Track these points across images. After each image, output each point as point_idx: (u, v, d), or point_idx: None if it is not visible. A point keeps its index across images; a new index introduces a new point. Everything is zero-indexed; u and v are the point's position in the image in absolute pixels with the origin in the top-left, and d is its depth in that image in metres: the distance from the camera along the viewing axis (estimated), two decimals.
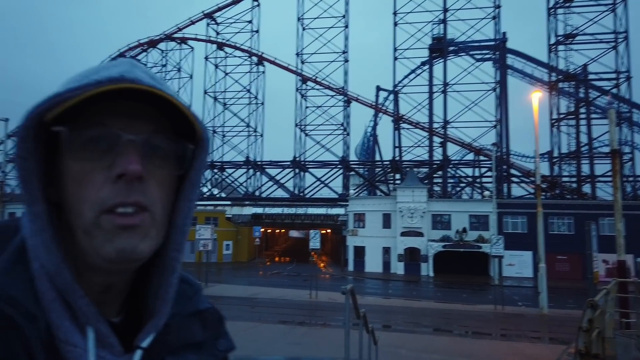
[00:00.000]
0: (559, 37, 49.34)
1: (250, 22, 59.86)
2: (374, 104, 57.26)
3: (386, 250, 42.98)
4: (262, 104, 59.65)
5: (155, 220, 0.64)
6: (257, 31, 59.85)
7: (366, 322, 6.57)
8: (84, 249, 0.62)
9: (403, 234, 41.97)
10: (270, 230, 64.49)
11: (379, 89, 61.26)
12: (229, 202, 56.67)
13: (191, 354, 0.73)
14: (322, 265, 49.63)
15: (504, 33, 50.96)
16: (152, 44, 62.12)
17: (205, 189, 56.05)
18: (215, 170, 55.49)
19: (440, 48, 50.60)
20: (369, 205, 44.16)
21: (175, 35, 61.47)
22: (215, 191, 56.85)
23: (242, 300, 21.67)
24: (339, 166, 52.28)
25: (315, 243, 25.89)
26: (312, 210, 54.16)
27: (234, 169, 56.00)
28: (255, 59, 59.03)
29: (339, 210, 51.29)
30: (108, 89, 0.59)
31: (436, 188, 50.22)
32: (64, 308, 0.61)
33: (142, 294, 0.74)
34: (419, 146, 52.94)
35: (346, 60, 55.34)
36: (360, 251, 43.72)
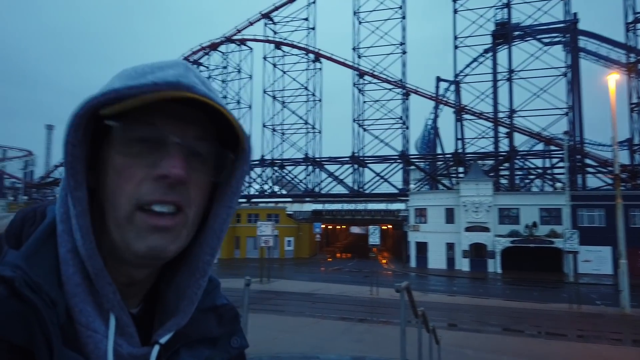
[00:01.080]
0: (638, 14, 45.33)
1: (306, 19, 60.22)
2: (434, 95, 55.75)
3: (450, 246, 41.75)
4: (320, 100, 59.83)
5: (187, 221, 0.66)
6: (313, 28, 60.12)
7: (426, 320, 6.34)
8: (114, 241, 0.64)
9: (468, 229, 40.54)
10: (330, 227, 64.75)
11: (439, 79, 59.57)
12: (289, 199, 57.51)
13: (205, 348, 0.74)
14: (383, 261, 49.12)
15: (575, 14, 47.69)
16: (213, 46, 64.21)
17: (266, 186, 57.29)
18: (276, 168, 56.46)
19: (505, 33, 48.22)
20: (430, 200, 43.07)
21: (235, 37, 63.11)
22: (276, 188, 57.83)
23: (303, 296, 21.79)
24: (398, 161, 51.39)
25: (374, 239, 25.64)
26: (371, 206, 53.79)
27: (293, 166, 56.70)
28: (312, 56, 59.32)
29: (400, 206, 50.55)
30: (167, 96, 0.61)
31: (503, 181, 48.03)
32: (88, 293, 0.63)
33: (160, 288, 0.75)
34: (483, 137, 50.89)
35: (404, 52, 54.19)
36: (422, 247, 42.80)
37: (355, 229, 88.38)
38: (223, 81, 64.72)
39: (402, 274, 37.05)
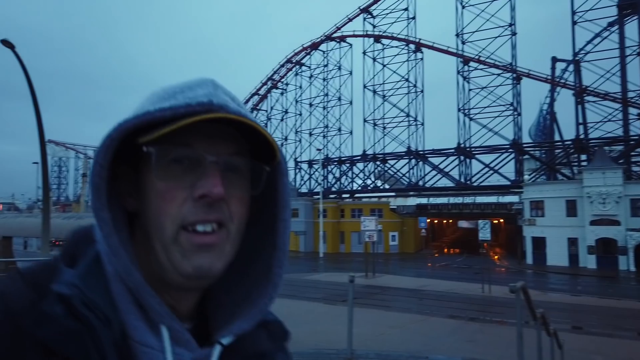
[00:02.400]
0: None
1: (406, 9, 59.01)
2: (549, 77, 51.32)
3: (572, 242, 38.21)
4: (422, 91, 58.36)
5: (230, 236, 0.69)
6: (413, 18, 58.75)
7: (546, 323, 5.88)
8: (161, 263, 0.66)
9: (593, 223, 36.71)
10: (436, 221, 62.91)
11: (555, 60, 54.67)
12: (392, 194, 56.97)
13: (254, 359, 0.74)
14: (495, 257, 46.40)
15: None
16: (314, 46, 65.88)
17: (368, 181, 57.38)
18: (378, 163, 56.27)
19: (634, 3, 42.69)
20: (548, 192, 39.78)
21: (335, 35, 64.05)
22: (379, 183, 57.67)
23: (409, 292, 21.41)
24: (510, 150, 48.22)
25: (485, 234, 24.39)
26: (481, 199, 51.09)
27: (396, 160, 56.03)
28: (412, 46, 58.09)
29: (512, 198, 47.42)
30: (201, 119, 0.63)
31: (635, 168, 42.69)
32: (138, 309, 0.64)
33: (216, 299, 0.77)
34: (609, 121, 45.75)
35: (514, 34, 50.63)
36: (539, 242, 39.77)
37: (463, 224, 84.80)
38: (324, 79, 66.04)
39: (517, 271, 34.84)
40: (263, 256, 0.76)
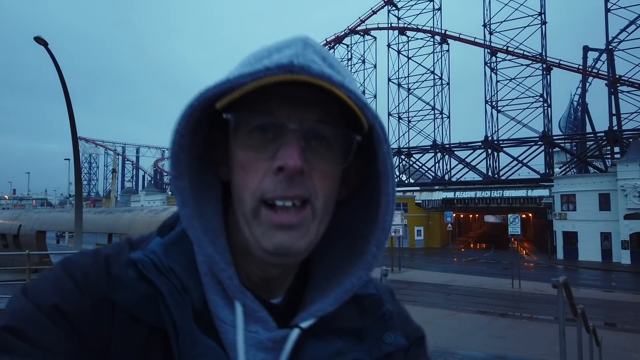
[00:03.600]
0: None
1: (431, 0, 58.04)
2: (580, 67, 49.71)
3: (605, 236, 37.08)
4: (448, 84, 57.44)
5: (315, 213, 0.63)
6: (439, 9, 57.76)
7: (585, 320, 5.73)
8: (245, 236, 0.64)
9: (628, 217, 35.51)
10: (462, 216, 61.99)
11: (586, 49, 52.87)
12: (417, 188, 56.39)
13: (340, 340, 0.68)
14: (524, 252, 45.54)
15: None
16: (338, 40, 65.52)
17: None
18: (403, 157, 55.77)
19: None
20: (580, 185, 38.67)
21: (359, 28, 63.55)
22: (404, 177, 57.17)
23: (436, 287, 21.19)
24: (539, 143, 47.03)
25: (515, 228, 23.95)
26: (509, 193, 50.09)
27: (421, 154, 55.40)
28: (438, 38, 57.15)
29: (542, 192, 46.33)
30: (276, 80, 0.58)
31: None
32: (216, 283, 0.64)
33: (313, 275, 0.72)
34: None
35: (543, 23, 49.21)
36: (571, 237, 38.73)
37: (490, 218, 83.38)
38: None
39: (547, 267, 34.10)
40: (362, 232, 0.69)
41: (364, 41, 64.57)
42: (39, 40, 10.78)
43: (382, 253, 0.68)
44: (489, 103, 51.65)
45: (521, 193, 49.34)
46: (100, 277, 0.62)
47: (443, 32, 56.49)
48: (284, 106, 0.62)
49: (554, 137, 48.01)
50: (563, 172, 45.03)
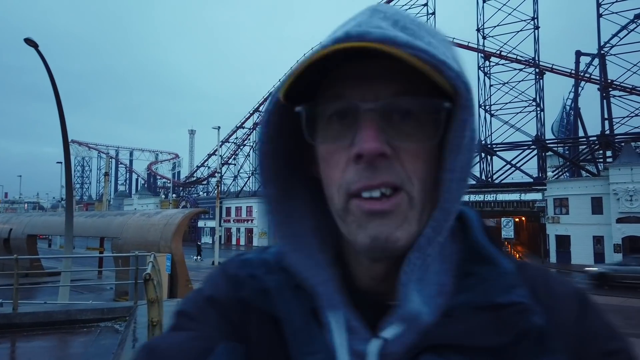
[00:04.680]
0: None
1: (425, 5, 58.37)
2: (573, 72, 50.12)
3: (598, 240, 37.28)
4: None
5: (413, 201, 0.55)
6: (433, 13, 58.05)
7: None
8: (343, 233, 0.59)
9: (620, 221, 35.75)
10: None
11: (579, 54, 53.36)
12: None
13: (461, 356, 0.54)
14: (517, 256, 45.53)
15: None
16: None
17: None
18: None
19: None
20: (572, 189, 38.91)
21: None
22: None
23: None
24: (532, 147, 47.30)
25: (508, 232, 24.04)
26: (502, 197, 50.21)
27: None
28: None
29: (535, 196, 46.48)
30: (324, 55, 0.52)
31: None
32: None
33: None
34: (636, 115, 44.43)
35: (536, 28, 49.60)
36: (564, 241, 38.90)
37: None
38: None
39: None
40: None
41: None
42: (29, 41, 10.73)
43: (441, 237, 0.57)
44: (483, 107, 51.90)
45: (515, 196, 49.49)
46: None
47: None
48: (356, 85, 0.56)
49: (547, 141, 48.33)
50: (556, 176, 45.26)
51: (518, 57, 49.92)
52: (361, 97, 0.55)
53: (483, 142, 50.02)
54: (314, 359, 0.57)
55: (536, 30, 49.64)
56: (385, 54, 0.51)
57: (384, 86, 0.55)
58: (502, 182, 48.75)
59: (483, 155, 49.70)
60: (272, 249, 0.69)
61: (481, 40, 52.58)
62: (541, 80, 49.27)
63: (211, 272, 0.72)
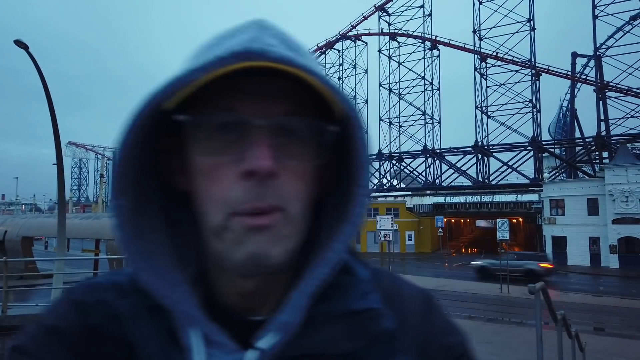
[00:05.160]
0: None
1: (422, 6, 58.44)
2: (569, 73, 50.24)
3: (594, 241, 37.26)
4: (438, 89, 57.74)
5: (290, 219, 0.55)
6: (429, 15, 58.14)
7: (567, 325, 5.66)
8: (214, 251, 0.57)
9: (616, 222, 35.74)
10: (454, 220, 62.16)
11: (575, 55, 53.51)
12: (408, 193, 56.50)
13: None
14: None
15: None
16: (330, 45, 65.66)
17: (384, 181, 57.04)
18: (394, 162, 55.89)
19: None
20: (568, 190, 38.86)
21: (350, 34, 63.78)
22: (395, 182, 57.31)
23: None
24: (528, 148, 47.35)
25: (503, 233, 23.99)
26: (499, 198, 50.27)
27: (412, 159, 55.56)
28: (428, 44, 57.44)
29: (532, 197, 46.56)
30: (229, 71, 0.51)
31: None
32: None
33: None
34: (632, 117, 44.53)
35: (532, 29, 49.70)
36: (560, 242, 38.80)
37: (481, 223, 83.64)
38: (339, 78, 65.97)
39: None
40: (331, 229, 0.60)
41: (355, 47, 64.78)
42: (19, 43, 10.65)
43: (344, 247, 0.59)
44: (479, 108, 51.97)
45: (511, 198, 49.53)
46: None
47: (433, 37, 56.79)
48: (247, 100, 0.54)
49: (544, 142, 48.40)
50: (552, 177, 45.31)
51: (514, 59, 50.01)
52: (251, 112, 0.54)
53: (479, 143, 50.09)
54: None
55: (532, 32, 49.75)
56: (277, 72, 0.51)
57: (275, 104, 0.55)
58: (499, 183, 48.75)
59: (480, 156, 49.75)
60: (125, 270, 0.63)
61: (477, 42, 52.65)
62: (537, 82, 49.39)
63: (54, 300, 0.65)
